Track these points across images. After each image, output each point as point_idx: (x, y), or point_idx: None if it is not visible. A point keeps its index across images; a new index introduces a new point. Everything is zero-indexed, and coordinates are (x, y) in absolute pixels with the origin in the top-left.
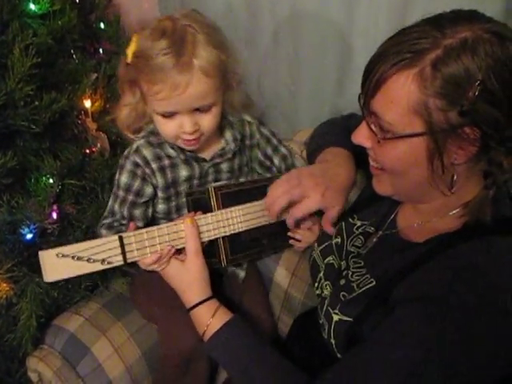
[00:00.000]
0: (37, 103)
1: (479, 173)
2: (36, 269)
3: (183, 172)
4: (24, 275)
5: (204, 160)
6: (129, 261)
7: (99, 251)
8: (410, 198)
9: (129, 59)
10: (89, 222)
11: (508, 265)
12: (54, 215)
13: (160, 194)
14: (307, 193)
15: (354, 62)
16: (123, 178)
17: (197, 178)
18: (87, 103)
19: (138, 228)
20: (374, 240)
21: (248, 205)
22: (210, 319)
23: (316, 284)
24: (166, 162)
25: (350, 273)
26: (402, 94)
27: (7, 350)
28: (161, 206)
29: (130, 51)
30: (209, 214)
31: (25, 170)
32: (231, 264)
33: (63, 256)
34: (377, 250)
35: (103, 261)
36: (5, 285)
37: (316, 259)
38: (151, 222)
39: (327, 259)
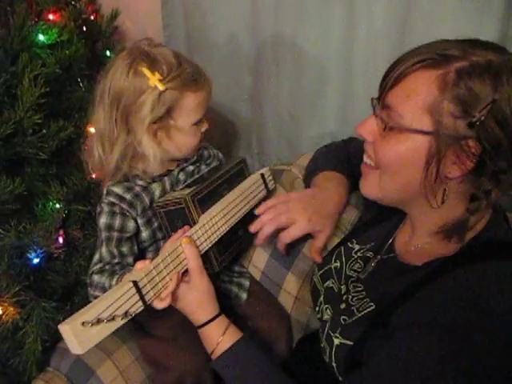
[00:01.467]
0: (44, 131)
1: (468, 196)
2: (42, 293)
3: (157, 191)
4: (30, 299)
5: (170, 170)
6: (148, 303)
7: (119, 305)
8: (396, 202)
9: (161, 87)
10: (93, 247)
11: (503, 290)
12: (61, 240)
13: (140, 220)
14: (294, 218)
15: (354, 87)
16: (103, 220)
17: (169, 190)
18: (93, 130)
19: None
20: (373, 264)
21: (224, 204)
22: (221, 337)
23: (317, 308)
24: (138, 188)
25: (350, 297)
26: (421, 90)
27: (12, 374)
28: (144, 234)
29: (157, 80)
30: (197, 227)
31: (32, 196)
32: (221, 266)
33: (88, 324)
34: (376, 274)
35: (126, 313)
36: (11, 309)
37: (316, 283)
38: (139, 255)
39: (327, 283)
